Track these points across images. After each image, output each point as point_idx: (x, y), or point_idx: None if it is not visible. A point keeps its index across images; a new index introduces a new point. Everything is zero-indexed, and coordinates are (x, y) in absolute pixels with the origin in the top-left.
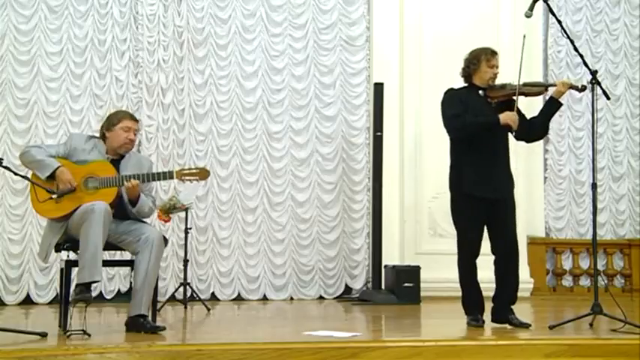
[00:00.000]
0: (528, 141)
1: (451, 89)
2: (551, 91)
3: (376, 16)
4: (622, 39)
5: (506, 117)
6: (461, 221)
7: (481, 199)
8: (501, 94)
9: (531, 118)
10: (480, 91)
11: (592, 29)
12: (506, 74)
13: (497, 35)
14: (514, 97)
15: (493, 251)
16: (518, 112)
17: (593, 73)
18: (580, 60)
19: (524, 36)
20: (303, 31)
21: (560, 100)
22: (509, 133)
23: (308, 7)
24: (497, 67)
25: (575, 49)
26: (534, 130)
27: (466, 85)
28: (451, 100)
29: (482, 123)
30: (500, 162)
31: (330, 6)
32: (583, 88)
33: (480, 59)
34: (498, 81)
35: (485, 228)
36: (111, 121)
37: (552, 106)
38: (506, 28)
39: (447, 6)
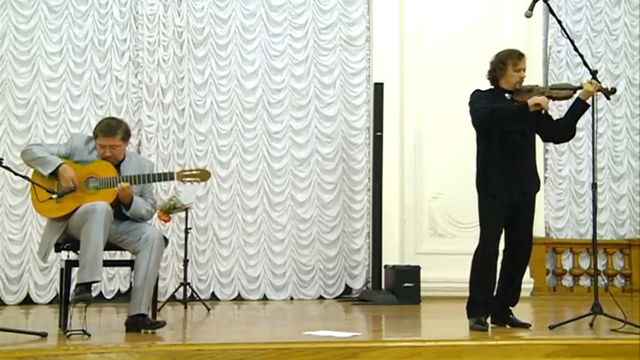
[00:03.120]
0: (557, 142)
1: (478, 90)
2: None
3: (376, 16)
4: (622, 39)
5: (534, 99)
6: (486, 221)
7: (508, 200)
8: (529, 97)
9: (557, 120)
10: (507, 95)
11: (592, 29)
12: None
13: (498, 35)
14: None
15: (505, 251)
16: (545, 113)
17: (593, 73)
18: (580, 60)
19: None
20: (303, 31)
21: (587, 101)
22: (537, 135)
23: (308, 7)
24: (524, 70)
25: (575, 49)
26: (561, 131)
27: (492, 87)
28: (478, 98)
29: (510, 108)
30: (526, 164)
31: (330, 6)
32: (613, 91)
33: (506, 63)
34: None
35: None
36: (93, 133)
37: (578, 107)
38: (506, 28)
39: (447, 6)
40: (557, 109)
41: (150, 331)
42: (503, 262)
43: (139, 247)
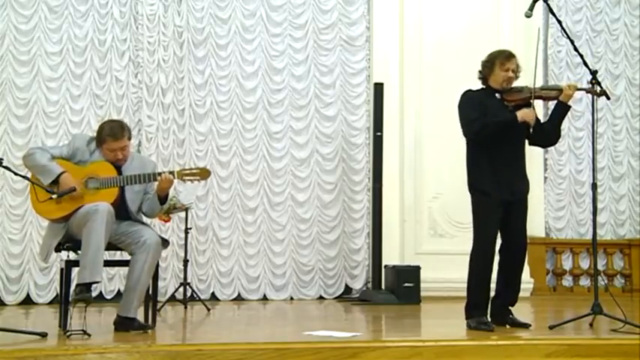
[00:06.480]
0: (543, 146)
1: (469, 91)
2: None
3: (376, 16)
4: (622, 39)
5: (524, 114)
6: (480, 221)
7: (499, 199)
8: (518, 97)
9: (543, 123)
10: (497, 95)
11: (592, 29)
12: None
13: (497, 35)
14: (531, 101)
15: (501, 251)
16: (535, 116)
17: (593, 73)
18: (580, 60)
19: (539, 29)
20: (303, 31)
21: (569, 102)
22: (525, 139)
23: (308, 7)
24: (512, 70)
25: (575, 49)
26: (546, 135)
27: (483, 87)
28: (469, 103)
29: (499, 122)
30: (516, 165)
31: (330, 6)
32: (603, 93)
33: (494, 62)
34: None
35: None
36: (99, 139)
37: (560, 110)
38: (506, 28)
39: (447, 6)
40: None
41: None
42: (500, 262)
43: (137, 250)
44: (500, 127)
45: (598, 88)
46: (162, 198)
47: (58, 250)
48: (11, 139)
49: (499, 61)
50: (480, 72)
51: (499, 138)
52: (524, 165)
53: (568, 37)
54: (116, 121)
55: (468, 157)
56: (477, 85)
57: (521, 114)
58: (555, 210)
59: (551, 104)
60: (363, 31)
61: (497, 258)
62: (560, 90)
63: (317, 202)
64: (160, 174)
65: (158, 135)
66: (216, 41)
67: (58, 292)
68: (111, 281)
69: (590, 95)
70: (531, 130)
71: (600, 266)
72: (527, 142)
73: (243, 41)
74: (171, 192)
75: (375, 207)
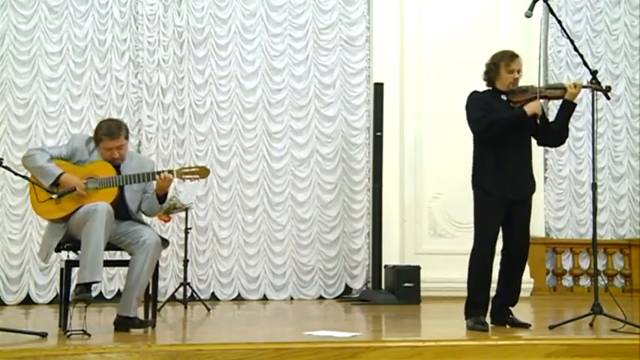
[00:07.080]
0: (551, 146)
1: (475, 92)
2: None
3: (376, 16)
4: (622, 39)
5: (532, 108)
6: (481, 220)
7: (502, 199)
8: (524, 98)
9: (550, 123)
10: (503, 96)
11: (592, 29)
12: None
13: (497, 35)
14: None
15: (503, 251)
16: (542, 116)
17: (593, 73)
18: (580, 60)
19: (541, 20)
20: (303, 31)
21: (575, 100)
22: (533, 139)
23: (308, 7)
24: (517, 71)
25: (575, 49)
26: (554, 134)
27: (489, 88)
28: (475, 102)
29: (508, 118)
30: (522, 164)
31: (330, 6)
32: (608, 89)
33: (498, 64)
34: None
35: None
36: (96, 137)
37: (566, 109)
38: (506, 28)
39: (447, 6)
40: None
41: (142, 330)
42: (501, 262)
43: (136, 249)
44: (510, 124)
45: (604, 85)
46: (162, 197)
47: (58, 250)
48: (11, 139)
49: (504, 62)
50: (486, 74)
51: (506, 137)
52: (531, 165)
53: (568, 37)
54: (114, 120)
55: (474, 155)
56: (477, 84)
57: (530, 108)
58: (555, 210)
59: (551, 104)
60: (363, 31)
61: (498, 258)
62: (565, 89)
63: (317, 202)
64: (159, 173)
65: (158, 135)
66: (216, 41)
67: (58, 292)
68: (111, 281)
69: (590, 95)
70: (538, 121)
71: (600, 266)
72: (535, 142)
73: (243, 41)
74: (171, 192)
75: (375, 207)
